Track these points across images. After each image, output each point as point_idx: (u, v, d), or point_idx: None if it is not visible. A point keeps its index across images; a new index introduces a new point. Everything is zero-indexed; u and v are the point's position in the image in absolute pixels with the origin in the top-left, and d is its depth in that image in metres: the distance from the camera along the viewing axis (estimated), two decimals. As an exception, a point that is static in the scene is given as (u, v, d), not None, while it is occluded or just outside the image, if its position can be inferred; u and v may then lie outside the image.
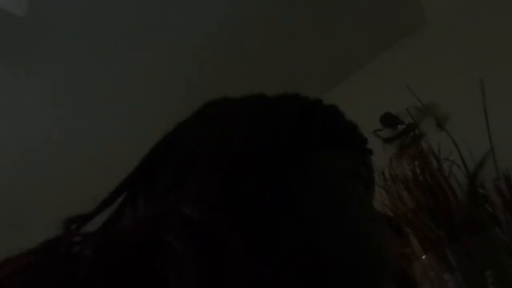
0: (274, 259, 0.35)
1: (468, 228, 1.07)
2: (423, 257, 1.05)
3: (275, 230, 0.38)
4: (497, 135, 1.19)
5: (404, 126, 1.62)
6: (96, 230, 0.39)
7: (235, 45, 1.62)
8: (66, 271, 0.30)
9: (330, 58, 1.78)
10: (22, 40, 1.32)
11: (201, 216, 0.33)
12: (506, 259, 0.98)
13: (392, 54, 1.77)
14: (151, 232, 0.32)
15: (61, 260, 0.32)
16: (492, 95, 1.24)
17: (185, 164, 0.41)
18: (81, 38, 1.39)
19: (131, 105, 1.66)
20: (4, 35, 1.34)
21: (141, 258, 0.31)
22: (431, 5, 1.68)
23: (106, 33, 1.43)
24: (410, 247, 1.13)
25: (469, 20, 1.56)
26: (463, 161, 1.15)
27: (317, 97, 0.52)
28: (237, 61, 1.68)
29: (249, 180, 0.38)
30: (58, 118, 1.60)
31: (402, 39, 1.75)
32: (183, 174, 0.40)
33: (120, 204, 0.45)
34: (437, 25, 1.68)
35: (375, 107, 1.68)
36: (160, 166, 0.44)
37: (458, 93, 1.51)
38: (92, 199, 0.45)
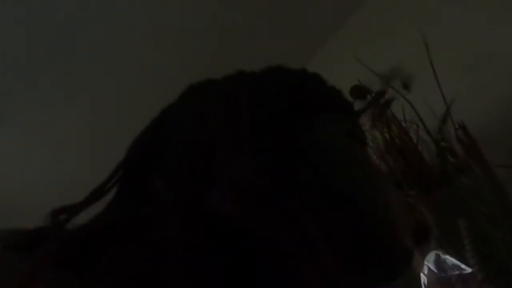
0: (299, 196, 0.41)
1: (439, 182, 1.12)
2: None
3: (297, 184, 0.42)
4: (451, 87, 1.24)
5: (373, 95, 1.66)
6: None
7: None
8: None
9: (288, 43, 1.82)
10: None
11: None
12: (475, 203, 1.03)
13: (348, 28, 1.81)
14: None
15: None
16: (439, 48, 1.28)
17: (198, 140, 0.43)
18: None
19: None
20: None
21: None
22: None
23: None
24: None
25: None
26: (421, 119, 1.19)
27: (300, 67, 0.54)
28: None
29: (267, 147, 0.42)
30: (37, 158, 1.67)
31: (356, 11, 1.79)
32: (202, 150, 0.42)
33: (123, 190, 0.45)
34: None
35: (343, 82, 1.72)
36: (164, 148, 0.45)
37: (417, 53, 1.55)
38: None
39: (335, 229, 0.42)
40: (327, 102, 0.51)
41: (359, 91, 1.69)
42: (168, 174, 0.43)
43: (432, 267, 1.04)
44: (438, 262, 1.01)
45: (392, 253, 0.45)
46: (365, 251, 0.43)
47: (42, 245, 0.35)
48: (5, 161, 1.70)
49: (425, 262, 1.06)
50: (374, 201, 0.46)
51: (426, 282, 1.04)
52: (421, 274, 1.06)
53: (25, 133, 1.69)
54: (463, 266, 0.98)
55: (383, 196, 0.47)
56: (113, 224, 0.38)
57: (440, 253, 1.02)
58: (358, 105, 1.68)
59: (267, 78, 0.50)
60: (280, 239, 0.37)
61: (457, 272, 0.98)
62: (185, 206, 0.38)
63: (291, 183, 0.41)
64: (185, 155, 0.43)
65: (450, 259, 1.00)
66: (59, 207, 0.41)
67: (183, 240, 0.35)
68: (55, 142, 1.80)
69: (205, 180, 0.40)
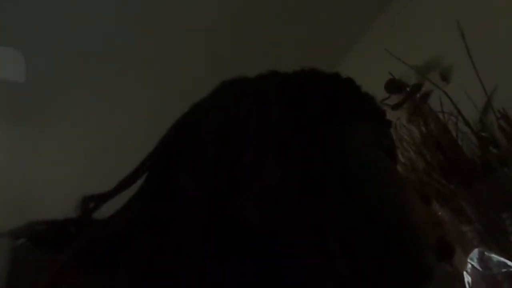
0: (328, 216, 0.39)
1: (480, 175, 1.06)
2: (439, 213, 1.04)
3: (323, 194, 0.40)
4: (492, 76, 1.17)
5: (409, 89, 1.60)
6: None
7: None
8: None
9: (325, 38, 1.78)
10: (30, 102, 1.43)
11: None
12: (520, 197, 0.96)
13: (382, 22, 1.76)
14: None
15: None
16: (477, 37, 1.21)
17: (227, 140, 0.42)
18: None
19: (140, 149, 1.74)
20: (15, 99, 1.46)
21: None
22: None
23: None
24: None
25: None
26: (458, 110, 1.13)
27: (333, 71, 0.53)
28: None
29: (295, 154, 0.41)
30: (75, 165, 1.70)
31: (391, 3, 1.74)
32: (231, 151, 0.41)
33: (150, 181, 0.45)
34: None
35: (379, 76, 1.67)
36: (193, 144, 0.45)
37: (454, 44, 1.48)
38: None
39: (358, 243, 0.40)
40: (360, 110, 0.49)
41: (395, 85, 1.64)
42: (195, 171, 0.42)
43: (476, 265, 0.98)
44: (482, 259, 0.95)
45: (413, 272, 0.44)
46: (386, 268, 0.42)
47: (68, 246, 0.34)
48: (43, 163, 1.74)
49: (468, 260, 1.00)
50: (401, 219, 0.44)
51: (470, 281, 0.99)
52: (464, 273, 1.00)
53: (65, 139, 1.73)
54: (509, 263, 0.92)
55: (410, 213, 0.46)
56: (138, 222, 0.38)
57: (484, 250, 0.96)
58: (393, 100, 1.62)
59: (300, 83, 0.49)
60: (299, 248, 0.36)
61: (503, 270, 0.92)
62: (208, 208, 0.37)
63: (318, 193, 0.40)
64: (214, 155, 0.42)
65: (495, 257, 0.94)
66: (88, 195, 0.42)
67: (202, 243, 0.34)
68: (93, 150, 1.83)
69: (232, 183, 0.39)
